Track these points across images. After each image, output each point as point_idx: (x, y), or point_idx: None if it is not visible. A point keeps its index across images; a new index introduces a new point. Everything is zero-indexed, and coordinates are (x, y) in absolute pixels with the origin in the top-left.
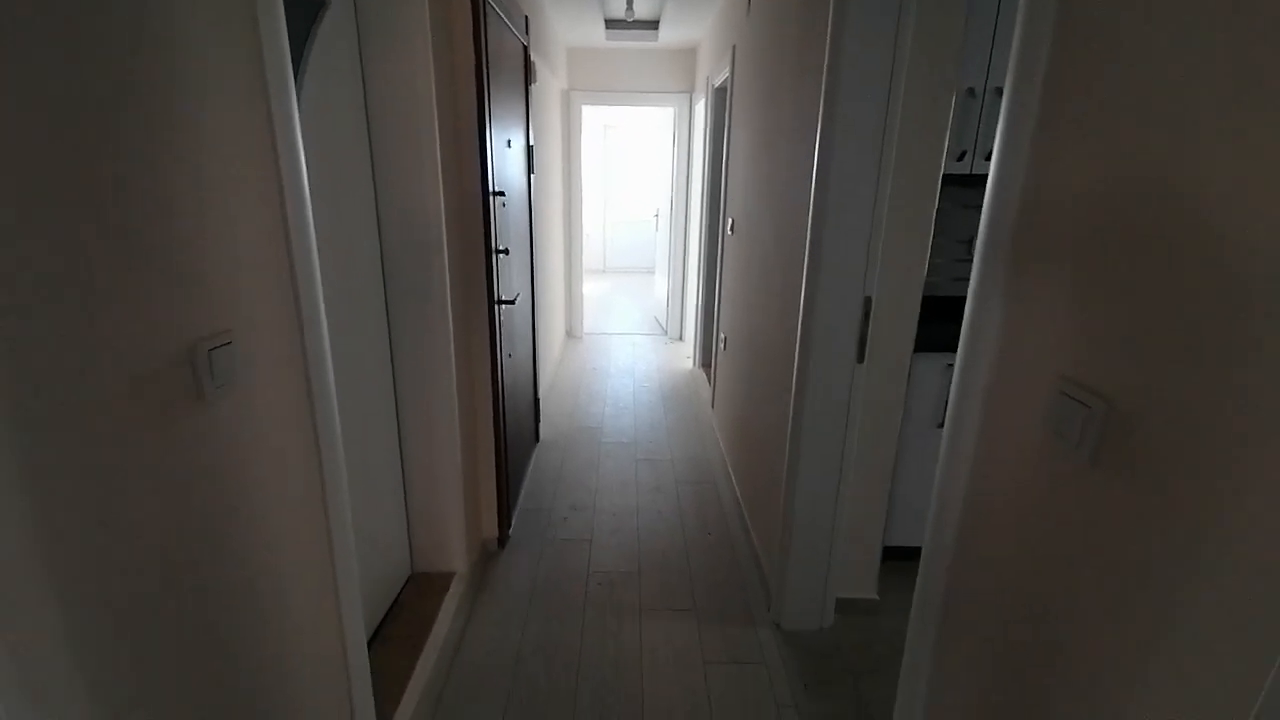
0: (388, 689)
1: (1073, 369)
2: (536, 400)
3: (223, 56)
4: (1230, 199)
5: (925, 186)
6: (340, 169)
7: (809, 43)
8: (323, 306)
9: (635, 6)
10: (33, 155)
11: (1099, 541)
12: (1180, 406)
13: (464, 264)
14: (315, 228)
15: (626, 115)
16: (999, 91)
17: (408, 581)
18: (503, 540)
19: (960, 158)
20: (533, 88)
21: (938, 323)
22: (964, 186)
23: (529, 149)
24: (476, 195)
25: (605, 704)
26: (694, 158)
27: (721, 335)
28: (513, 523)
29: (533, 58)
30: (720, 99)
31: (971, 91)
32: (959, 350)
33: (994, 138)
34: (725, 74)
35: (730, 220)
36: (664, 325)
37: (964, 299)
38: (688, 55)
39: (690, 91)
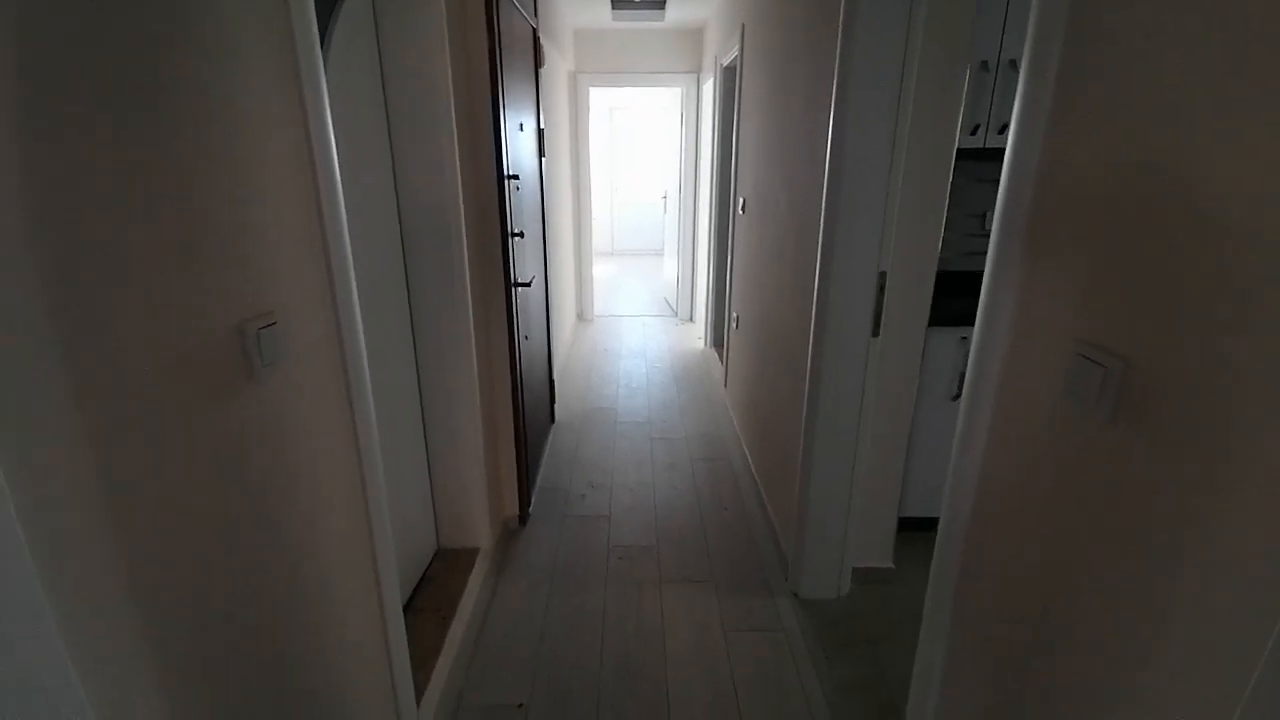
0: (421, 658)
1: (1089, 333)
2: (552, 382)
3: (258, 45)
4: (1230, 181)
5: (939, 161)
6: (360, 154)
7: (821, 19)
8: (355, 290)
9: None
10: (104, 144)
11: (1119, 495)
12: (1196, 360)
13: (481, 247)
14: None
15: (633, 97)
16: (1013, 64)
17: (434, 557)
18: (523, 518)
19: (974, 131)
20: (541, 71)
21: (951, 297)
22: (977, 160)
23: (540, 132)
24: (492, 179)
25: (629, 671)
26: (702, 138)
27: (733, 314)
28: (532, 501)
29: (541, 40)
30: (729, 78)
31: (985, 64)
32: (978, 319)
33: (1008, 111)
34: (734, 53)
35: (742, 199)
36: (674, 306)
37: (977, 274)
38: (694, 35)
39: (698, 72)
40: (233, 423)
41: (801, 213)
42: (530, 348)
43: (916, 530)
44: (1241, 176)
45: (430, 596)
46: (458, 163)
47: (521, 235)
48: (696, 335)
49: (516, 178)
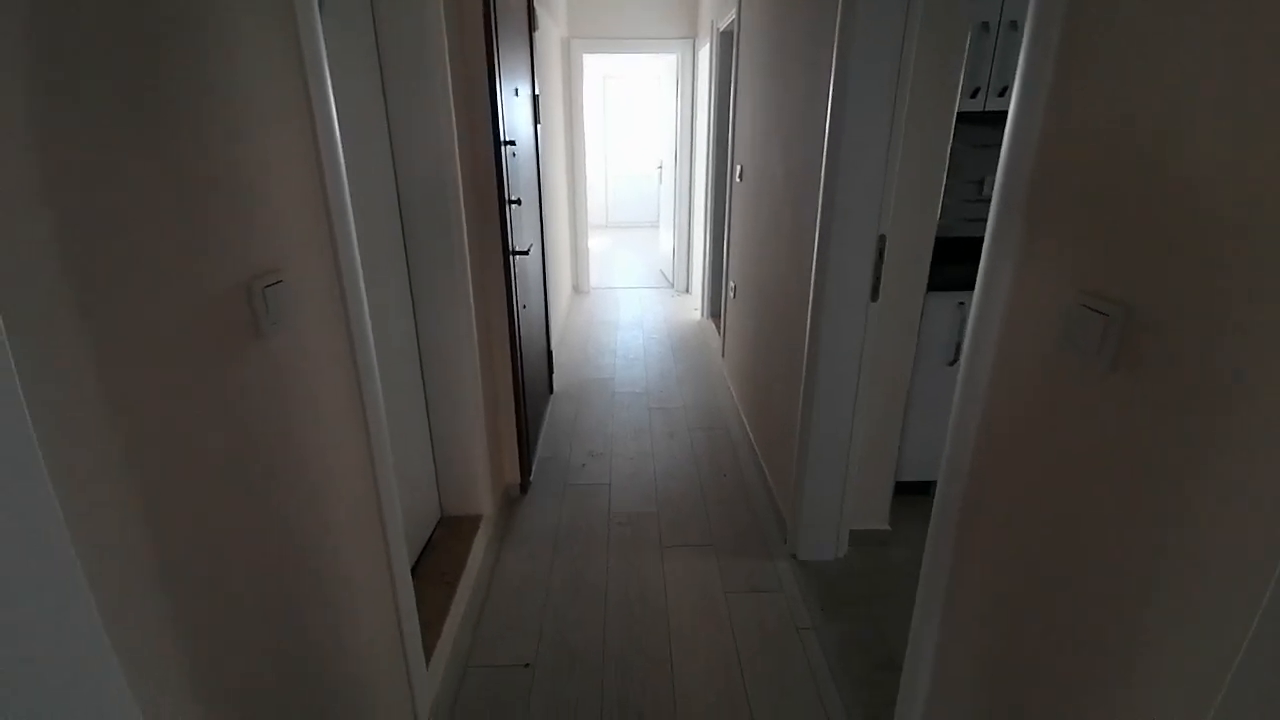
0: (429, 621)
1: (1090, 283)
2: (550, 352)
3: (259, 15)
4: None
5: (939, 124)
6: (355, 117)
7: None
8: (357, 251)
9: None
10: (115, 114)
11: (1119, 442)
12: (1195, 305)
13: (479, 214)
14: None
15: (627, 65)
16: (1014, 25)
17: (438, 524)
18: (524, 486)
19: (974, 94)
20: (535, 35)
21: (949, 263)
22: (976, 124)
23: (535, 98)
24: (488, 144)
25: (632, 632)
26: (698, 106)
27: (731, 284)
28: (533, 469)
29: (535, 4)
30: (726, 43)
31: (986, 26)
32: (979, 276)
33: (1008, 74)
34: (731, 17)
35: (739, 168)
36: (670, 278)
37: (974, 239)
38: None
39: (693, 37)
40: (241, 381)
41: (800, 178)
42: (528, 316)
43: (913, 494)
44: (1237, 137)
45: (435, 562)
46: (454, 127)
47: (519, 202)
48: (693, 306)
49: (513, 143)
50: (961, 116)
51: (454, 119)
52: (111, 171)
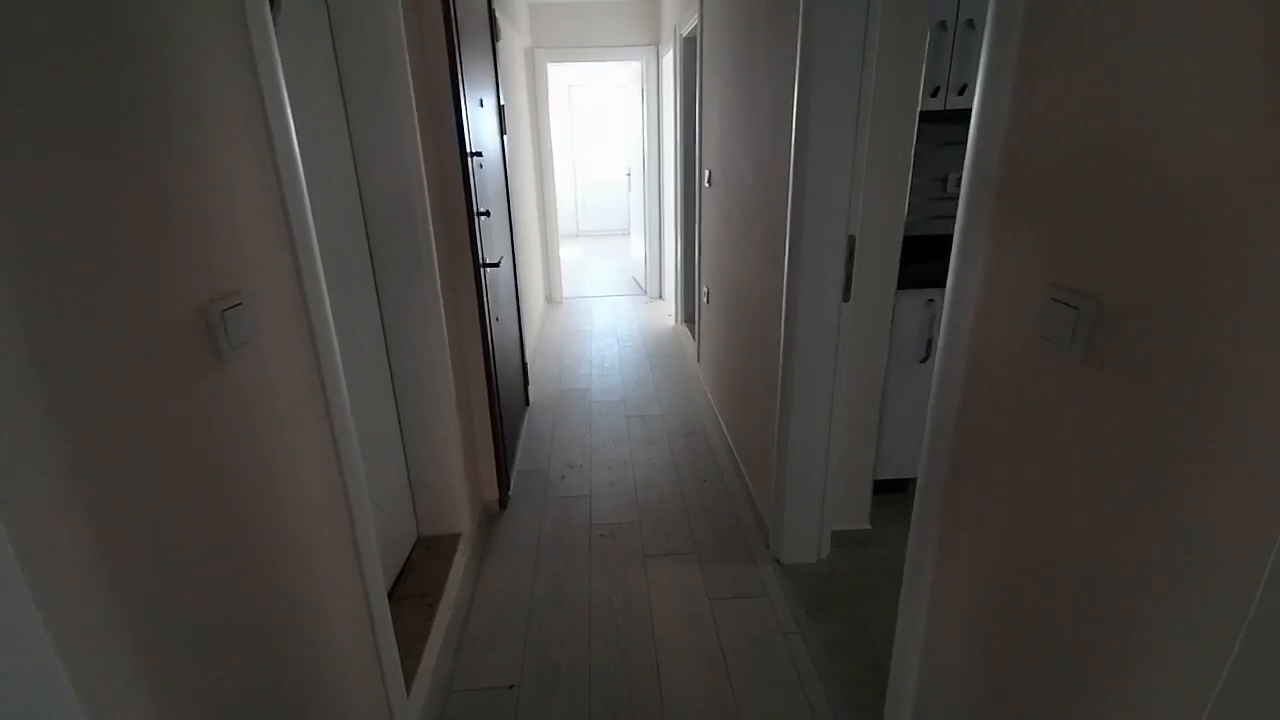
0: (408, 645)
1: (1060, 278)
2: (525, 364)
3: (211, 28)
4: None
5: (903, 123)
6: (315, 131)
7: None
8: (321, 270)
9: None
10: (58, 134)
11: (1095, 433)
12: (1164, 297)
13: (447, 228)
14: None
15: (591, 74)
16: (970, 24)
17: (415, 545)
18: (503, 502)
19: (934, 93)
20: (498, 45)
21: (917, 261)
22: (938, 123)
23: (500, 109)
24: (455, 156)
25: (618, 644)
26: (664, 112)
27: (704, 289)
28: (512, 484)
29: (496, 14)
30: (690, 49)
31: (943, 25)
32: (950, 273)
33: (968, 72)
34: (694, 22)
35: (708, 172)
36: (643, 285)
37: (942, 237)
38: (652, 5)
39: (657, 44)
40: (202, 408)
41: (769, 181)
42: (501, 330)
43: (891, 493)
44: (1196, 126)
45: (413, 584)
46: (418, 139)
47: (488, 214)
48: (667, 312)
49: (480, 155)
50: (923, 115)
51: (418, 132)
52: (51, 193)
